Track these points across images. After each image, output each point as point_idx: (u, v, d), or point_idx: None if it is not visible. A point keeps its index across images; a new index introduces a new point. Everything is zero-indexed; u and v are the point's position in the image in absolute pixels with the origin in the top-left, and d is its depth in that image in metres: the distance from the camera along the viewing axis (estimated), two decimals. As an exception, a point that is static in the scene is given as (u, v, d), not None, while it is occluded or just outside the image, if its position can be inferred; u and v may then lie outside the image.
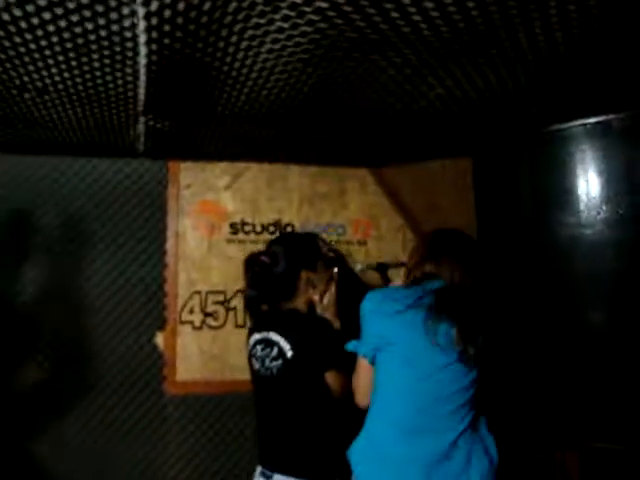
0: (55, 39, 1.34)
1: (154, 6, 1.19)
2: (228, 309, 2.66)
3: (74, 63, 1.48)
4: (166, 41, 1.34)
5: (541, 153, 2.13)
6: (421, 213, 2.77)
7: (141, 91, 1.69)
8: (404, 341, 1.58)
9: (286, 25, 1.29)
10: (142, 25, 1.27)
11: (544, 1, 1.19)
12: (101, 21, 1.26)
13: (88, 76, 1.58)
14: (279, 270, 1.91)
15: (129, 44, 1.37)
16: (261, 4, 1.20)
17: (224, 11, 1.23)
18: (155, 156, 2.58)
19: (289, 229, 2.77)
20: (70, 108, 1.85)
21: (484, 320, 1.60)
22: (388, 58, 1.49)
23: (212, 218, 2.70)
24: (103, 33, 1.32)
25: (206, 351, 2.62)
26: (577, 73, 1.62)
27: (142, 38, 1.33)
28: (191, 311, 2.62)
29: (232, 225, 2.73)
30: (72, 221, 2.53)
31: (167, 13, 1.22)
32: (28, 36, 1.33)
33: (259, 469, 1.90)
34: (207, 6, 1.20)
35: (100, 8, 1.21)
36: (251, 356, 1.96)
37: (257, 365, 1.91)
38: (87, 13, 1.23)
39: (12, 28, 1.29)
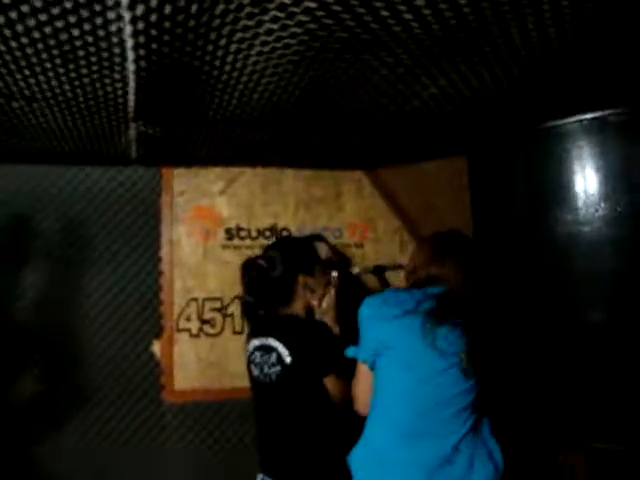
0: (41, 46, 1.32)
1: (140, 10, 1.17)
2: (225, 316, 2.64)
3: (61, 70, 1.46)
4: (154, 46, 1.32)
5: (537, 150, 2.11)
6: (418, 214, 2.75)
7: (131, 97, 1.67)
8: (403, 345, 1.56)
9: (275, 27, 1.27)
10: (129, 30, 1.25)
11: (536, -4, 1.18)
12: (87, 27, 1.24)
13: (76, 83, 1.55)
14: (276, 275, 1.89)
15: (116, 50, 1.35)
16: (249, 5, 1.18)
17: (212, 14, 1.21)
18: (148, 163, 2.56)
19: (285, 234, 2.75)
20: (60, 116, 1.83)
21: (486, 325, 1.58)
22: (380, 58, 1.47)
23: (207, 224, 2.68)
24: (90, 39, 1.30)
25: (204, 359, 2.60)
26: (572, 68, 1.60)
27: (129, 43, 1.31)
28: (188, 318, 2.60)
29: (227, 231, 2.70)
30: (66, 230, 2.51)
31: (153, 17, 1.19)
32: (13, 44, 1.30)
33: (260, 476, 1.88)
34: (194, 9, 1.18)
35: (85, 13, 1.18)
36: (250, 362, 1.94)
37: (256, 372, 1.89)
38: (72, 19, 1.21)
39: (-4, 36, 1.26)
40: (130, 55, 1.37)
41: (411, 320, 1.54)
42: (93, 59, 1.40)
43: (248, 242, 2.70)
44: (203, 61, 1.43)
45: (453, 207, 2.50)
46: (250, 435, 2.50)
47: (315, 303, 1.94)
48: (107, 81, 1.54)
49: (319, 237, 2.51)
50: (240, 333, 2.59)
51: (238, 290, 2.12)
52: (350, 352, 1.69)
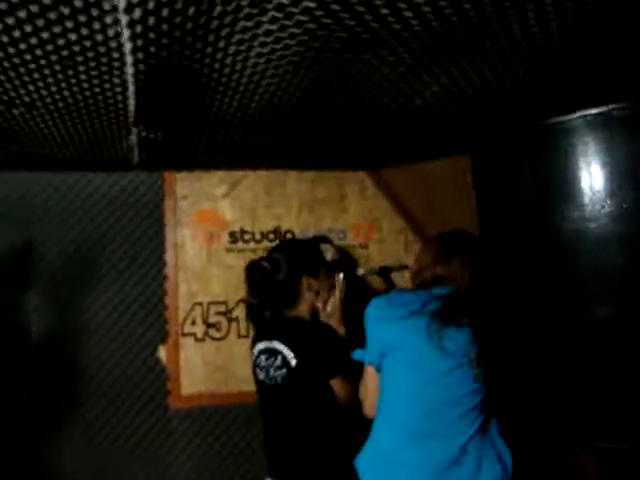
0: (39, 52, 1.31)
1: (137, 14, 1.16)
2: (230, 319, 2.63)
3: (61, 76, 1.45)
4: (152, 49, 1.31)
5: (542, 147, 2.09)
6: (422, 214, 2.74)
7: (131, 102, 1.66)
8: (408, 346, 1.55)
9: (274, 27, 1.26)
10: (126, 34, 1.24)
11: (538, -9, 1.16)
12: (84, 31, 1.23)
13: (76, 89, 1.55)
14: (280, 277, 1.88)
15: (115, 54, 1.34)
16: (247, 7, 1.17)
17: (210, 15, 1.20)
18: (150, 168, 2.55)
19: (289, 236, 2.74)
20: (60, 122, 1.82)
21: (493, 325, 1.56)
22: (381, 57, 1.46)
23: (211, 227, 2.67)
24: (88, 44, 1.29)
25: (210, 363, 2.59)
26: (575, 63, 1.58)
27: (127, 47, 1.30)
28: (193, 323, 2.59)
29: (231, 234, 2.69)
30: (68, 237, 2.50)
31: (151, 20, 1.19)
32: (11, 50, 1.30)
33: (268, 480, 1.87)
34: (192, 11, 1.17)
35: (83, 18, 1.18)
36: (255, 366, 1.93)
37: (262, 375, 1.88)
38: (70, 24, 1.20)
39: (-6, 43, 1.26)
40: (129, 59, 1.36)
41: (417, 321, 1.53)
42: (92, 64, 1.39)
43: (252, 245, 2.69)
44: (202, 64, 1.42)
45: (458, 206, 2.48)
46: (258, 440, 2.49)
47: (320, 306, 1.92)
48: (107, 86, 1.53)
49: (324, 239, 2.49)
50: (245, 337, 2.58)
51: (243, 293, 2.11)
52: (356, 355, 1.68)
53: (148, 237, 2.58)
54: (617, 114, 1.90)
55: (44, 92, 1.56)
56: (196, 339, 2.59)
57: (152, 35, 1.25)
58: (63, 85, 1.52)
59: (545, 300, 2.11)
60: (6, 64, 1.37)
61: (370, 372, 1.66)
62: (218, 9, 1.17)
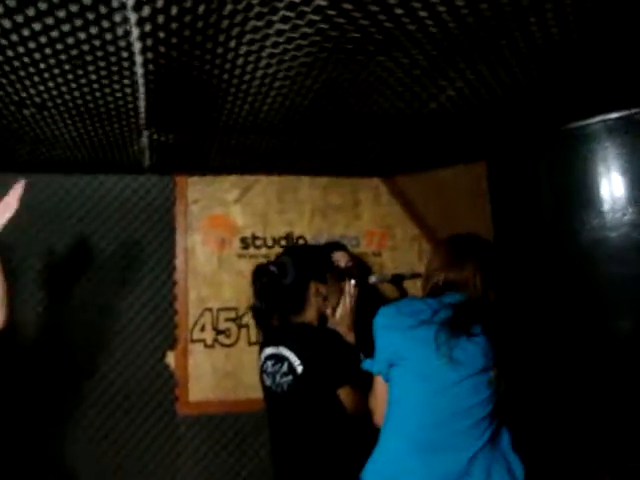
0: (48, 51, 1.30)
1: (146, 11, 1.14)
2: (240, 326, 2.60)
3: (70, 76, 1.44)
4: (162, 49, 1.29)
5: (560, 153, 2.03)
6: (436, 221, 2.70)
7: (141, 103, 1.64)
8: (417, 356, 1.51)
9: (286, 27, 1.23)
10: (135, 32, 1.22)
11: (557, -11, 1.13)
12: (93, 30, 1.22)
13: (86, 89, 1.53)
14: (288, 281, 1.84)
15: (124, 53, 1.33)
16: (258, 5, 1.14)
17: (220, 14, 1.17)
18: (162, 171, 2.54)
19: (301, 242, 2.70)
20: (71, 124, 1.81)
21: (507, 334, 1.52)
22: (395, 59, 1.43)
23: (222, 233, 2.65)
24: (97, 43, 1.27)
25: (219, 370, 2.56)
26: (595, 65, 1.53)
27: (137, 46, 1.28)
28: (202, 329, 2.57)
29: (243, 240, 2.67)
30: (79, 239, 2.49)
31: (160, 19, 1.17)
32: (20, 49, 1.28)
33: (274, 489, 1.83)
34: (201, 10, 1.15)
35: (91, 16, 1.16)
36: (262, 372, 1.89)
37: (268, 381, 1.84)
38: (78, 22, 1.18)
39: (3, 41, 1.24)
40: (138, 59, 1.34)
41: (426, 331, 1.49)
42: (101, 64, 1.38)
43: (264, 251, 2.67)
44: (213, 64, 1.40)
45: (473, 213, 2.43)
46: (266, 448, 2.45)
47: (328, 312, 1.88)
48: (116, 87, 1.52)
49: (338, 245, 2.45)
50: (256, 344, 2.54)
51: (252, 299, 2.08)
52: (365, 365, 1.64)
53: (159, 241, 2.57)
54: (638, 118, 1.84)
55: (54, 92, 1.55)
56: (205, 345, 2.56)
57: (161, 34, 1.23)
58: (73, 85, 1.51)
59: (563, 311, 2.05)
60: (16, 63, 1.36)
61: (379, 382, 1.62)
62: (228, 7, 1.15)
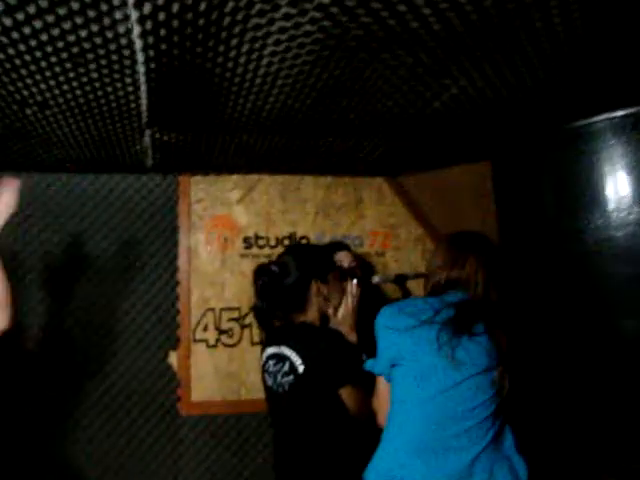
0: (49, 49, 1.29)
1: (147, 9, 1.13)
2: (243, 326, 2.59)
3: (72, 74, 1.43)
4: (163, 47, 1.29)
5: (565, 151, 2.01)
6: (440, 221, 2.68)
7: (143, 102, 1.64)
8: (418, 357, 1.49)
9: (288, 24, 1.23)
10: (137, 30, 1.22)
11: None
12: (94, 28, 1.21)
13: (88, 88, 1.53)
14: (289, 281, 1.83)
15: (126, 51, 1.32)
16: (259, 2, 1.13)
17: (221, 12, 1.17)
18: (165, 171, 2.53)
19: (304, 242, 2.69)
20: (73, 122, 1.81)
21: (509, 334, 1.50)
22: (398, 57, 1.42)
23: (225, 233, 2.64)
24: (98, 41, 1.27)
25: (222, 370, 2.55)
26: (600, 62, 1.51)
27: (138, 44, 1.28)
28: (205, 329, 2.56)
29: (245, 239, 2.66)
30: (81, 238, 2.49)
31: (161, 16, 1.16)
32: (22, 47, 1.28)
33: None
34: (203, 7, 1.14)
35: (92, 13, 1.16)
36: (264, 371, 1.88)
37: (270, 381, 1.83)
38: (79, 20, 1.18)
39: (4, 39, 1.24)
40: (140, 57, 1.34)
41: (427, 331, 1.47)
42: (103, 62, 1.37)
43: (267, 251, 2.66)
44: (215, 63, 1.39)
45: (477, 213, 2.42)
46: (269, 449, 2.44)
47: (331, 312, 1.87)
48: (118, 85, 1.51)
49: (342, 245, 2.44)
50: (259, 344, 2.53)
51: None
52: (367, 366, 1.63)
53: (161, 241, 2.56)
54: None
55: (56, 91, 1.54)
56: (208, 345, 2.55)
57: (163, 32, 1.22)
58: (75, 84, 1.50)
59: (568, 311, 2.03)
60: (17, 61, 1.35)
61: (381, 382, 1.61)
62: (230, 5, 1.14)
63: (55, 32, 1.22)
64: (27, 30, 1.21)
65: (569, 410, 2.03)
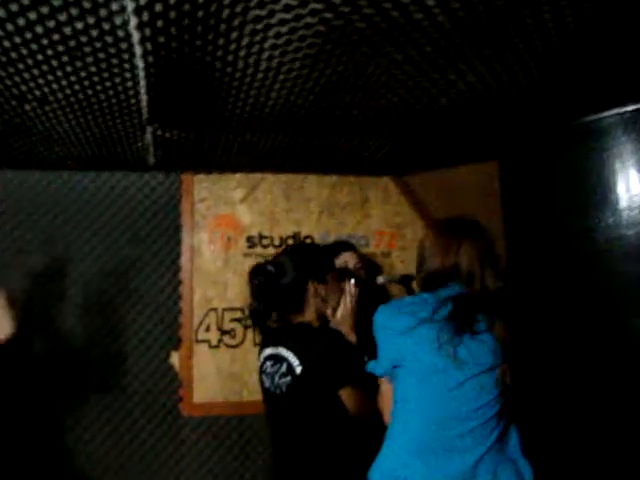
0: (45, 41, 1.27)
1: (143, 0, 1.10)
2: (246, 326, 2.56)
3: (69, 68, 1.41)
4: (161, 39, 1.26)
5: (574, 148, 1.96)
6: (447, 222, 2.63)
7: (143, 97, 1.61)
8: (419, 358, 1.45)
9: (288, 16, 1.19)
10: (133, 22, 1.19)
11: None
12: (90, 19, 1.18)
13: (86, 83, 1.50)
14: (285, 281, 1.78)
15: (123, 45, 1.29)
16: (259, -7, 1.10)
17: (220, 3, 1.14)
18: (167, 169, 2.51)
19: (308, 241, 2.66)
20: (73, 118, 1.78)
21: (513, 329, 1.45)
22: (402, 51, 1.38)
23: (228, 232, 2.61)
24: (95, 33, 1.24)
25: (224, 371, 2.52)
26: (610, 54, 1.46)
27: (135, 37, 1.25)
28: (207, 329, 2.53)
29: (249, 239, 2.63)
30: (83, 237, 2.47)
31: (158, 7, 1.13)
32: (17, 39, 1.25)
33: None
34: (201, -2, 1.11)
35: (88, 4, 1.13)
36: (261, 373, 1.84)
37: (267, 382, 1.79)
38: (74, 11, 1.15)
39: (-1, 31, 1.22)
40: (138, 50, 1.31)
41: (427, 330, 1.43)
42: (101, 55, 1.35)
43: (271, 250, 2.62)
44: (215, 56, 1.36)
45: (484, 214, 2.35)
46: (270, 451, 2.40)
47: (329, 313, 1.82)
48: (117, 80, 1.49)
49: (348, 245, 2.40)
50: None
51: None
52: (369, 368, 1.59)
53: (164, 240, 2.54)
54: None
55: (54, 86, 1.52)
56: (210, 346, 2.52)
57: (160, 24, 1.19)
58: (73, 79, 1.48)
59: (577, 312, 1.99)
60: (13, 55, 1.33)
61: (384, 383, 1.57)
62: (228, -5, 1.11)
63: (51, 24, 1.19)
64: (21, 21, 1.18)
65: (578, 410, 1.98)
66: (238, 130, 1.94)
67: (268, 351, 1.81)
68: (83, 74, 1.45)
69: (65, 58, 1.35)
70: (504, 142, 2.24)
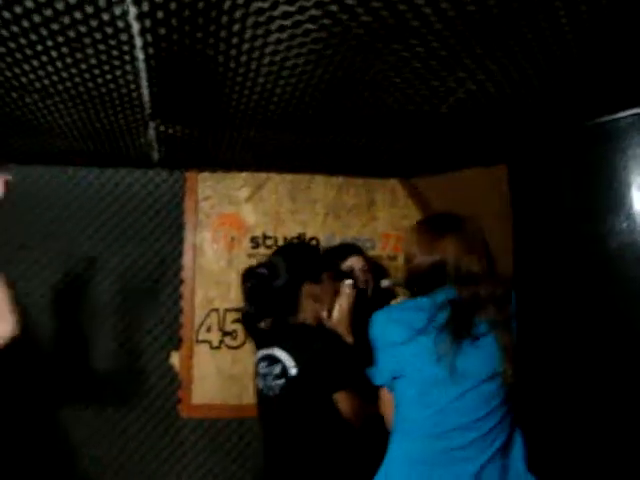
0: (44, 31, 1.24)
1: (142, -12, 1.07)
2: (248, 328, 2.51)
3: (69, 60, 1.38)
4: (162, 31, 1.23)
5: (586, 151, 1.90)
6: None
7: (145, 91, 1.58)
8: (420, 368, 1.41)
9: (292, 9, 1.16)
10: (133, 12, 1.16)
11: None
12: (89, 9, 1.15)
13: (87, 75, 1.48)
14: (279, 283, 1.73)
15: (123, 36, 1.26)
16: (261, -17, 1.07)
17: (222, -6, 1.10)
18: (171, 166, 2.48)
19: (313, 243, 2.62)
20: (75, 112, 1.76)
21: (516, 332, 1.41)
22: (410, 48, 1.34)
23: (232, 231, 2.58)
24: (94, 23, 1.21)
25: (224, 372, 2.49)
26: (623, 53, 1.41)
27: (135, 28, 1.22)
28: (208, 329, 2.50)
29: (253, 239, 2.60)
30: (85, 233, 2.44)
31: (158, -3, 1.10)
32: (14, 28, 1.23)
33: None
34: (202, -12, 1.08)
35: (86, -6, 1.10)
36: (256, 374, 1.79)
37: (261, 384, 1.74)
38: (73, 0, 1.12)
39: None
40: (138, 42, 1.28)
41: (425, 341, 1.39)
42: (101, 47, 1.31)
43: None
44: (217, 50, 1.32)
45: (492, 217, 2.31)
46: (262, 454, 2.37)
47: (324, 315, 1.77)
48: (118, 73, 1.46)
49: (354, 248, 2.35)
50: (263, 346, 2.47)
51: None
52: (370, 377, 1.55)
53: (166, 238, 2.51)
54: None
55: (55, 77, 1.49)
56: (211, 347, 2.49)
57: (160, 14, 1.16)
58: (74, 71, 1.45)
59: (587, 318, 1.93)
60: (12, 44, 1.30)
61: (384, 392, 1.53)
62: (230, -14, 1.08)
63: (48, 12, 1.16)
64: (18, 9, 1.15)
65: (590, 415, 1.93)
66: (242, 127, 1.91)
67: (263, 352, 1.77)
68: (84, 66, 1.42)
69: (65, 49, 1.32)
70: (513, 145, 2.19)
